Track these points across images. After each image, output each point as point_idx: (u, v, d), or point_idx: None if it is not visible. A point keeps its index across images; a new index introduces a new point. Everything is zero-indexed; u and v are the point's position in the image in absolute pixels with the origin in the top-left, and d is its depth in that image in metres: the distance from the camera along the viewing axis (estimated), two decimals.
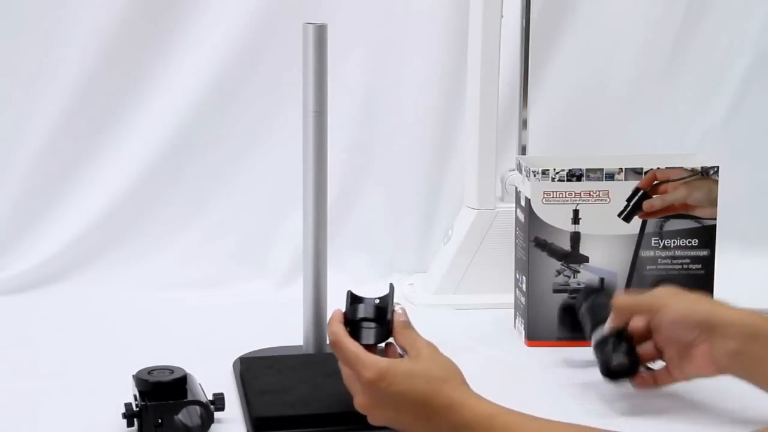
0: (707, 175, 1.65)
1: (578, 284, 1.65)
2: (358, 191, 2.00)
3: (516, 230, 1.72)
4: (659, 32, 2.05)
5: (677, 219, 1.66)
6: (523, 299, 1.69)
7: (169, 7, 1.93)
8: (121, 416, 1.36)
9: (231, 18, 1.94)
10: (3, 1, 1.91)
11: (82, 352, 1.65)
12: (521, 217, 1.68)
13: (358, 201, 2.01)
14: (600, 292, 1.56)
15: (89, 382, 1.54)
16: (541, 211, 1.64)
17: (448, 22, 1.97)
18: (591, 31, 2.03)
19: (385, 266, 1.99)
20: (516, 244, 1.72)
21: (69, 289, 1.89)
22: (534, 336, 1.68)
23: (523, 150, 1.91)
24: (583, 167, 1.65)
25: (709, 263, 1.67)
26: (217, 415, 1.39)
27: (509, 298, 1.74)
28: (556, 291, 1.66)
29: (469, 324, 1.77)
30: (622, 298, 1.45)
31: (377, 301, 1.36)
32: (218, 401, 1.40)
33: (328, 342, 1.32)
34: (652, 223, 1.66)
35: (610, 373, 1.42)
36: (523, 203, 1.67)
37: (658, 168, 1.65)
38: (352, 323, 1.33)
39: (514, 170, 1.78)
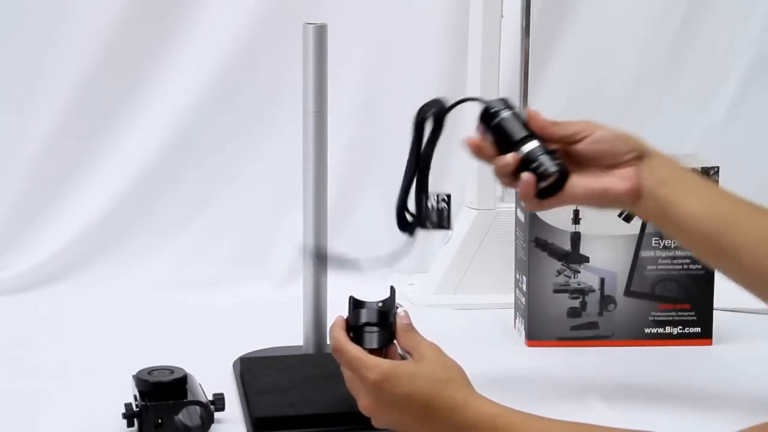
0: (707, 175, 1.65)
1: (578, 284, 1.65)
2: (358, 191, 2.00)
3: (516, 230, 1.72)
4: (659, 32, 2.05)
5: None
6: (523, 299, 1.68)
7: (169, 7, 1.94)
8: (121, 416, 1.36)
9: (231, 18, 1.94)
10: (3, 1, 1.91)
11: (82, 352, 1.65)
12: (521, 217, 1.68)
13: (358, 201, 2.01)
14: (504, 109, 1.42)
15: (89, 382, 1.54)
16: (542, 211, 1.64)
17: (448, 22, 1.97)
18: (591, 31, 2.03)
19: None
20: (516, 244, 1.72)
21: (69, 289, 1.89)
22: (534, 336, 1.68)
23: None
24: None
25: None
26: (217, 415, 1.39)
27: (509, 298, 1.74)
28: (556, 291, 1.66)
29: (469, 324, 1.77)
30: (541, 117, 1.39)
31: (379, 305, 1.35)
32: (218, 401, 1.40)
33: (330, 349, 1.31)
34: (652, 224, 1.66)
35: (559, 179, 1.37)
36: (523, 203, 1.67)
37: None
38: (355, 328, 1.33)
39: None
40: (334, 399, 1.40)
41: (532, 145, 1.35)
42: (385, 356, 1.31)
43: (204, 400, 1.37)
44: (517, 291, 1.71)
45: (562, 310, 1.67)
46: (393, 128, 2.01)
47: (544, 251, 1.65)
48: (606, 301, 1.66)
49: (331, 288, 1.59)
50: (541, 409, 1.22)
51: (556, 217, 1.64)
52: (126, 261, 1.94)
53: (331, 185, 1.62)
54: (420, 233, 1.38)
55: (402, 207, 1.36)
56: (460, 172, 1.95)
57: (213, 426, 1.38)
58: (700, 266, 1.67)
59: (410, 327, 1.32)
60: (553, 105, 2.02)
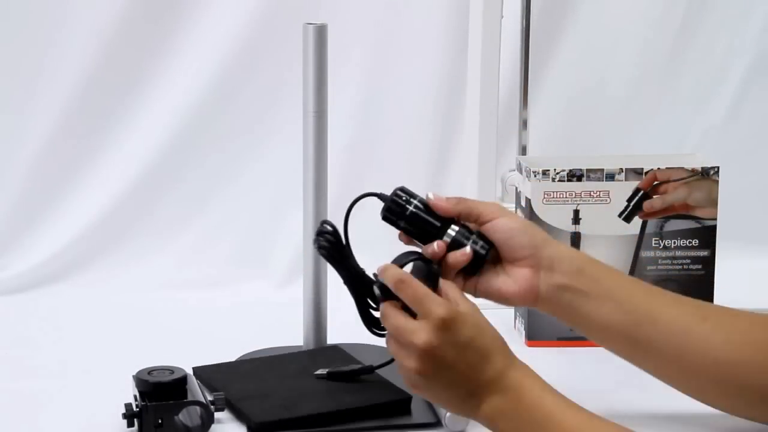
0: (707, 175, 1.65)
1: None
2: (358, 191, 2.00)
3: None
4: (659, 32, 2.05)
5: (677, 219, 1.66)
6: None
7: (169, 8, 1.94)
8: (121, 416, 1.36)
9: (231, 18, 1.94)
10: (3, 1, 1.91)
11: (82, 352, 1.65)
12: (522, 217, 1.68)
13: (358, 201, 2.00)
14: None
15: (89, 382, 1.54)
16: (542, 211, 1.64)
17: (448, 22, 1.97)
18: (591, 31, 2.03)
19: None
20: None
21: (69, 289, 1.89)
22: (534, 336, 1.68)
23: (523, 150, 1.91)
24: (584, 167, 1.65)
25: (709, 263, 1.67)
26: (217, 415, 1.39)
27: None
28: None
29: None
30: (443, 200, 1.32)
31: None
32: (218, 401, 1.40)
33: (393, 284, 1.24)
34: (652, 224, 1.66)
35: (482, 260, 1.31)
36: (523, 204, 1.67)
37: (659, 168, 1.65)
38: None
39: (514, 170, 1.78)
40: (318, 399, 1.42)
41: (454, 229, 1.30)
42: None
43: (204, 400, 1.37)
44: None
45: None
46: (393, 128, 2.01)
47: None
48: None
49: (331, 288, 1.59)
50: None
51: (556, 217, 1.64)
52: (126, 261, 1.94)
53: (331, 185, 1.62)
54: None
55: (366, 315, 1.32)
56: (460, 172, 1.95)
57: (213, 426, 1.38)
58: (700, 266, 1.67)
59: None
60: (553, 105, 2.03)
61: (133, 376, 1.39)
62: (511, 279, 1.31)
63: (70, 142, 1.94)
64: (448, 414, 1.38)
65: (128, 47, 1.93)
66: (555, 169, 1.64)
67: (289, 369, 1.53)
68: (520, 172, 1.70)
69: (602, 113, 2.06)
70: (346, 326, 1.48)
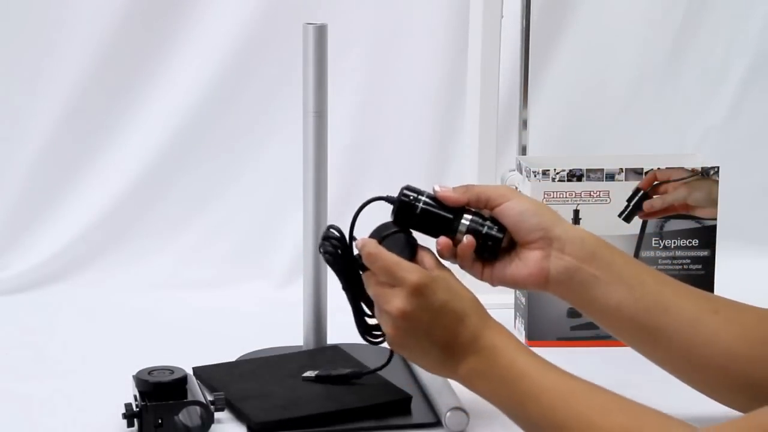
0: (707, 175, 1.65)
1: None
2: (358, 191, 2.00)
3: None
4: (659, 32, 2.05)
5: (677, 219, 1.66)
6: (523, 299, 1.68)
7: (168, 8, 1.94)
8: (121, 416, 1.36)
9: (231, 18, 1.94)
10: (3, 1, 1.91)
11: (82, 352, 1.66)
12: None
13: (358, 201, 2.00)
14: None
15: (89, 382, 1.54)
16: None
17: (448, 22, 1.97)
18: (591, 31, 2.03)
19: None
20: None
21: (69, 289, 1.89)
22: (534, 336, 1.68)
23: (523, 150, 1.90)
24: (584, 167, 1.65)
25: (709, 263, 1.67)
26: (217, 415, 1.39)
27: (509, 298, 1.74)
28: None
29: None
30: (449, 190, 1.31)
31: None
32: (218, 401, 1.40)
33: (365, 258, 1.25)
34: (652, 224, 1.66)
35: (497, 246, 1.30)
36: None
37: (659, 168, 1.65)
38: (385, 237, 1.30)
39: (514, 170, 1.78)
40: (317, 399, 1.42)
41: (467, 218, 1.30)
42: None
43: (204, 400, 1.37)
44: (517, 291, 1.71)
45: (562, 310, 1.67)
46: (393, 128, 2.01)
47: None
48: None
49: (332, 288, 1.58)
50: None
51: None
52: (126, 261, 1.94)
53: (331, 185, 1.62)
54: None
55: (362, 323, 1.33)
56: (459, 172, 1.95)
57: (213, 426, 1.38)
58: (700, 266, 1.68)
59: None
60: (553, 105, 2.03)
61: (133, 376, 1.39)
62: (522, 262, 1.30)
63: (70, 142, 1.94)
64: (448, 414, 1.39)
65: (128, 47, 1.93)
66: (555, 169, 1.64)
67: (289, 369, 1.53)
68: (520, 172, 1.70)
69: (602, 113, 2.06)
70: (346, 326, 1.48)
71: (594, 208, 1.65)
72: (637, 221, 1.66)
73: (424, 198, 1.31)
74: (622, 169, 1.65)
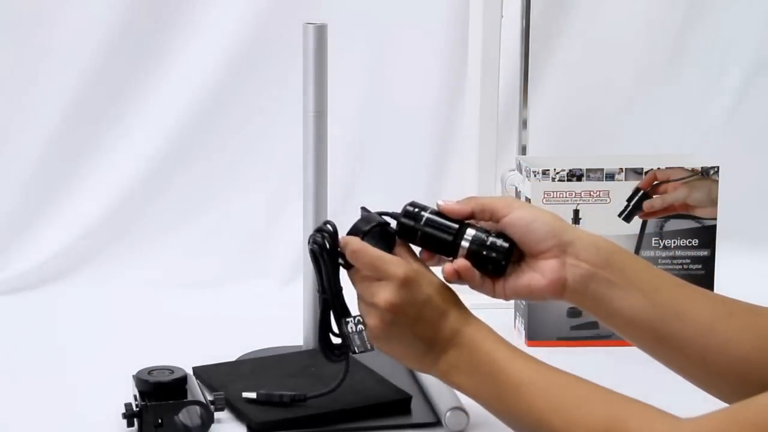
0: (707, 175, 1.65)
1: None
2: (357, 191, 2.00)
3: None
4: (659, 32, 2.05)
5: (677, 219, 1.66)
6: (523, 299, 1.68)
7: (169, 8, 1.94)
8: (121, 416, 1.36)
9: (231, 18, 1.94)
10: (3, 1, 1.91)
11: (82, 352, 1.66)
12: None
13: (358, 201, 2.00)
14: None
15: (89, 382, 1.54)
16: None
17: (448, 22, 1.97)
18: (591, 31, 2.03)
19: None
20: None
21: (69, 289, 1.89)
22: (534, 336, 1.68)
23: (523, 150, 1.90)
24: (583, 167, 1.65)
25: (709, 263, 1.67)
26: (217, 415, 1.39)
27: None
28: None
29: None
30: (453, 203, 1.29)
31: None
32: (218, 401, 1.40)
33: (349, 254, 1.24)
34: (652, 224, 1.66)
35: (504, 260, 1.27)
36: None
37: (658, 168, 1.65)
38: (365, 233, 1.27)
39: (514, 170, 1.78)
40: (319, 398, 1.41)
41: (471, 232, 1.26)
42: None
43: (204, 400, 1.37)
44: None
45: (562, 310, 1.67)
46: (393, 128, 2.01)
47: None
48: None
49: None
50: None
51: None
52: (126, 261, 1.94)
53: (331, 185, 1.62)
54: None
55: (324, 338, 1.31)
56: (460, 172, 1.95)
57: (213, 426, 1.38)
58: (700, 266, 1.68)
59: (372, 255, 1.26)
60: (553, 105, 2.03)
61: (133, 376, 1.39)
62: (538, 273, 1.27)
63: (71, 142, 1.94)
64: (448, 414, 1.39)
65: (128, 48, 1.93)
66: (555, 169, 1.64)
67: (289, 369, 1.53)
68: (520, 172, 1.70)
69: (602, 113, 2.06)
70: None
71: (594, 208, 1.65)
72: (637, 221, 1.66)
73: (426, 214, 1.28)
74: (622, 169, 1.65)
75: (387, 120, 2.01)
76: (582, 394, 1.17)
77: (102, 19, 1.92)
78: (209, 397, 1.40)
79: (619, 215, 1.66)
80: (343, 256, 1.26)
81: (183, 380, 1.37)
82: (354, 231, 1.27)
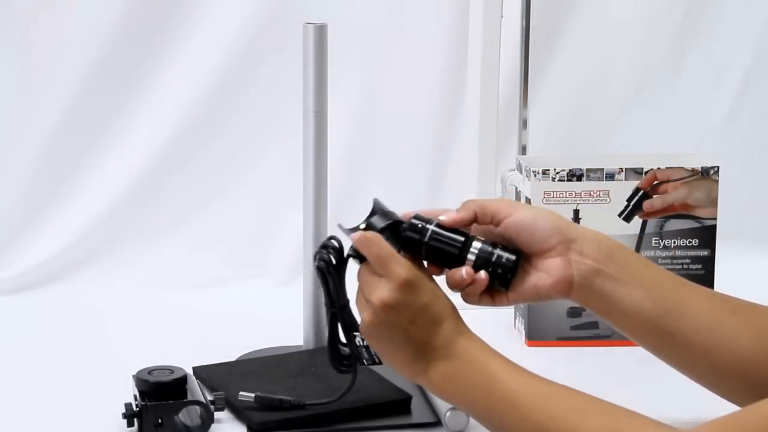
0: (707, 175, 1.65)
1: None
2: (357, 191, 2.00)
3: None
4: (659, 32, 2.05)
5: (677, 219, 1.66)
6: (529, 302, 1.68)
7: (168, 8, 1.93)
8: (121, 416, 1.36)
9: (231, 18, 1.94)
10: (4, 1, 1.91)
11: (82, 352, 1.66)
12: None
13: (358, 201, 2.01)
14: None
15: (89, 382, 1.54)
16: None
17: (448, 22, 1.97)
18: (591, 31, 2.03)
19: None
20: None
21: (69, 289, 1.89)
22: (534, 336, 1.68)
23: (523, 150, 1.91)
24: (584, 167, 1.65)
25: (709, 263, 1.67)
26: (217, 415, 1.39)
27: None
28: None
29: (469, 324, 1.75)
30: (454, 214, 1.28)
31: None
32: (218, 401, 1.40)
33: (357, 241, 1.24)
34: (652, 223, 1.66)
35: (511, 273, 1.27)
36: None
37: (659, 168, 1.65)
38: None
39: (514, 170, 1.78)
40: (317, 398, 1.41)
41: (477, 245, 1.26)
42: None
43: (204, 400, 1.37)
44: None
45: (562, 310, 1.67)
46: (393, 128, 2.01)
47: None
48: None
49: None
50: None
51: None
52: (126, 261, 1.94)
53: (331, 185, 1.62)
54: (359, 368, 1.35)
55: (334, 350, 1.33)
56: (460, 172, 1.95)
57: (213, 426, 1.38)
58: (700, 266, 1.68)
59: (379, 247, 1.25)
60: (553, 105, 2.03)
61: (133, 376, 1.39)
62: (543, 273, 1.27)
63: (71, 142, 1.94)
64: (448, 413, 1.39)
65: (128, 48, 1.93)
66: (555, 169, 1.64)
67: (289, 369, 1.53)
68: (520, 172, 1.70)
69: (602, 113, 2.06)
70: None
71: (594, 207, 1.65)
72: (637, 221, 1.66)
73: (432, 227, 1.27)
74: (622, 169, 1.65)
75: (387, 120, 2.01)
76: (580, 404, 1.17)
77: (102, 18, 1.92)
78: (209, 397, 1.40)
79: (619, 215, 1.66)
80: (356, 251, 1.25)
81: (183, 380, 1.37)
82: (370, 226, 1.27)
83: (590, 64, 2.04)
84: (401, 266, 1.22)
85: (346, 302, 1.29)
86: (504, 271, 1.27)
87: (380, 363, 1.28)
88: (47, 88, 1.93)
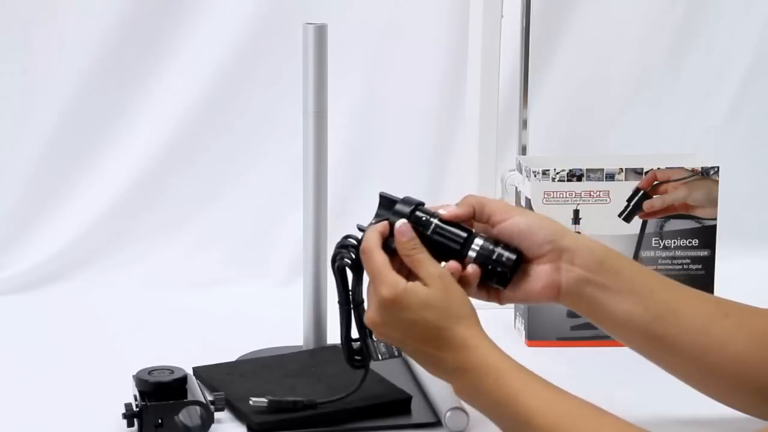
0: (707, 175, 1.65)
1: None
2: (357, 192, 2.00)
3: None
4: (659, 32, 2.05)
5: (677, 219, 1.66)
6: (519, 304, 1.68)
7: (168, 8, 1.93)
8: (121, 416, 1.36)
9: (231, 18, 1.94)
10: (4, 1, 1.91)
11: (82, 352, 1.66)
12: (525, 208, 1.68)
13: (358, 201, 2.01)
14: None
15: (89, 382, 1.54)
16: (542, 211, 1.64)
17: (448, 22, 1.97)
18: (591, 31, 2.03)
19: None
20: None
21: (69, 289, 1.89)
22: (534, 336, 1.68)
23: (523, 150, 1.90)
24: (584, 167, 1.65)
25: (709, 263, 1.67)
26: (217, 415, 1.39)
27: None
28: None
29: None
30: (454, 210, 1.31)
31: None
32: (218, 401, 1.40)
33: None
34: (652, 224, 1.66)
35: (510, 273, 1.29)
36: (523, 203, 1.67)
37: (659, 168, 1.65)
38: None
39: (514, 170, 1.78)
40: (317, 398, 1.41)
41: (479, 242, 1.28)
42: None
43: (204, 400, 1.37)
44: None
45: (562, 310, 1.67)
46: (393, 128, 2.01)
47: None
48: None
49: (331, 288, 1.58)
50: None
51: (556, 217, 1.63)
52: (126, 261, 1.94)
53: (331, 186, 1.62)
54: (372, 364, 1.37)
55: (348, 346, 1.35)
56: (460, 172, 1.95)
57: (213, 426, 1.38)
58: (700, 266, 1.68)
59: (415, 244, 1.28)
60: (553, 105, 2.03)
61: (133, 376, 1.39)
62: (532, 277, 1.29)
63: (71, 142, 1.94)
64: (448, 413, 1.39)
65: (127, 48, 1.93)
66: (555, 169, 1.64)
67: (289, 369, 1.53)
68: (520, 172, 1.70)
69: (602, 113, 2.06)
70: None
71: (594, 208, 1.65)
72: (637, 221, 1.66)
73: (435, 221, 1.29)
74: (622, 169, 1.65)
75: (387, 119, 2.01)
76: (595, 426, 1.17)
77: (102, 18, 1.92)
78: (209, 397, 1.40)
79: (619, 215, 1.66)
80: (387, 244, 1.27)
81: (183, 380, 1.37)
82: (398, 213, 1.29)
83: (590, 64, 2.04)
84: (385, 285, 1.23)
85: (362, 300, 1.30)
86: (503, 269, 1.28)
87: (399, 356, 1.30)
88: (47, 88, 1.93)
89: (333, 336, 1.61)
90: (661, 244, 1.67)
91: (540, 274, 1.29)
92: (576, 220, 1.65)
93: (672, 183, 1.65)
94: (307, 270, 1.61)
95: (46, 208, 1.95)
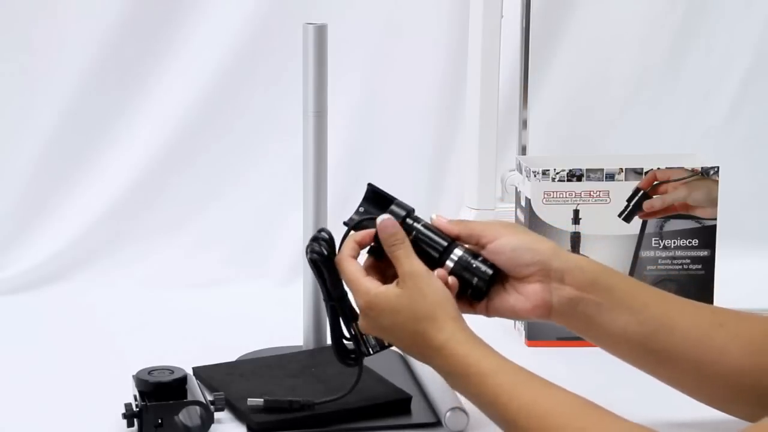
0: (707, 175, 1.65)
1: None
2: (357, 192, 1.99)
3: None
4: (659, 32, 2.05)
5: (677, 219, 1.66)
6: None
7: (169, 8, 1.93)
8: (121, 416, 1.36)
9: (231, 18, 1.94)
10: (4, 1, 1.91)
11: (82, 352, 1.65)
12: (521, 217, 1.68)
13: (358, 201, 2.00)
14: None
15: (89, 382, 1.54)
16: (542, 211, 1.64)
17: (448, 22, 1.97)
18: (591, 31, 2.03)
19: None
20: None
21: (69, 289, 1.89)
22: (534, 336, 1.68)
23: (523, 150, 1.91)
24: (583, 167, 1.65)
25: (709, 263, 1.67)
26: (217, 415, 1.39)
27: None
28: None
29: (469, 324, 1.76)
30: (445, 221, 1.32)
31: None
32: (218, 401, 1.40)
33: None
34: (652, 224, 1.66)
35: (486, 287, 1.30)
36: (523, 203, 1.67)
37: (659, 168, 1.65)
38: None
39: (514, 170, 1.78)
40: (318, 398, 1.41)
41: (458, 252, 1.30)
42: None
43: (204, 400, 1.37)
44: None
45: None
46: (393, 128, 2.01)
47: None
48: None
49: None
50: None
51: (556, 217, 1.64)
52: (126, 261, 1.94)
53: (331, 185, 1.62)
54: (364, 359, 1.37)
55: (338, 341, 1.36)
56: (460, 172, 1.95)
57: (213, 426, 1.38)
58: (700, 266, 1.67)
59: (395, 239, 1.29)
60: (553, 105, 2.03)
61: (133, 376, 1.39)
62: (522, 296, 1.30)
63: (71, 142, 1.94)
64: (448, 413, 1.39)
65: (127, 48, 1.93)
66: (555, 169, 1.64)
67: (289, 369, 1.53)
68: (520, 172, 1.70)
69: (602, 113, 2.06)
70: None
71: (594, 208, 1.65)
72: (637, 221, 1.66)
73: (419, 227, 1.31)
74: (622, 169, 1.65)
75: (387, 119, 2.01)
76: (579, 423, 1.19)
77: (102, 18, 1.92)
78: (209, 397, 1.40)
79: (619, 215, 1.66)
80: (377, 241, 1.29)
81: (183, 380, 1.37)
82: (395, 215, 1.31)
83: (590, 64, 2.04)
84: (359, 294, 1.27)
85: (343, 293, 1.30)
86: (478, 284, 1.30)
87: (390, 346, 1.30)
88: (47, 88, 1.93)
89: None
90: (661, 244, 1.67)
91: (530, 293, 1.30)
92: (576, 220, 1.65)
93: (672, 183, 1.65)
94: (307, 270, 1.60)
95: (46, 208, 1.95)
